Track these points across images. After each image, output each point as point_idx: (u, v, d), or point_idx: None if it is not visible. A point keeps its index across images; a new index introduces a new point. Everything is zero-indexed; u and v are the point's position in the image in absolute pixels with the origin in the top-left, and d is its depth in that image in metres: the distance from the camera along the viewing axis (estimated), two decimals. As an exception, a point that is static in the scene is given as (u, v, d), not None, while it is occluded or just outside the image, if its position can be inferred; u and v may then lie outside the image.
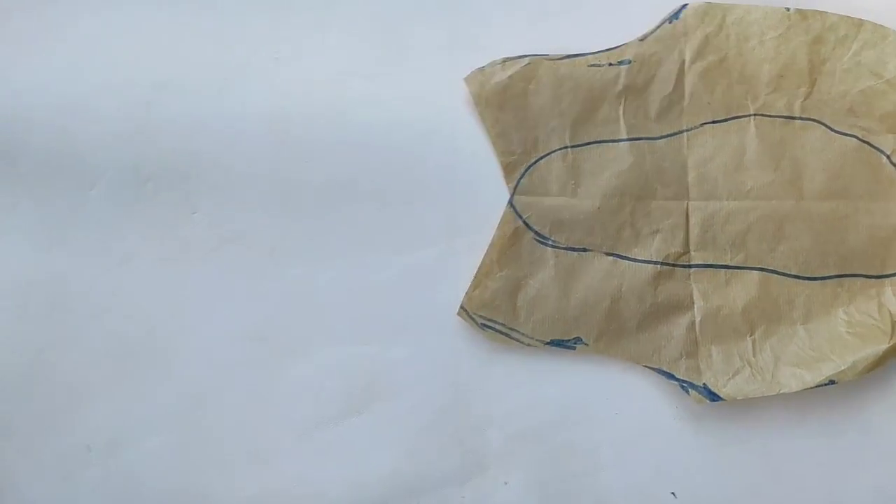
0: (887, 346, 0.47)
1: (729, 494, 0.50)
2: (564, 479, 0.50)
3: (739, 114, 0.50)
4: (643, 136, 0.51)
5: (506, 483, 0.50)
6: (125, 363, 0.51)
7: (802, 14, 0.50)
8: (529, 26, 0.53)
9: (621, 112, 0.51)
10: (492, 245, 0.50)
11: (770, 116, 0.50)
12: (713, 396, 0.48)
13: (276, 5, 0.54)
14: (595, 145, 0.51)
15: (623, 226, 0.50)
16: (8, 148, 0.52)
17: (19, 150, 0.52)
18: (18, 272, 0.51)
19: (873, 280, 0.49)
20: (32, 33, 0.52)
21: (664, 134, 0.51)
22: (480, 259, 0.50)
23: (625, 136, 0.51)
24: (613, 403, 0.51)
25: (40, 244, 0.51)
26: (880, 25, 0.50)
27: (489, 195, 0.52)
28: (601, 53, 0.51)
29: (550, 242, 0.50)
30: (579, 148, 0.51)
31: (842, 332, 0.49)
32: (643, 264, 0.50)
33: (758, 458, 0.50)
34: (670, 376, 0.49)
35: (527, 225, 0.50)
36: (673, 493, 0.50)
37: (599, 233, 0.50)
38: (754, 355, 0.49)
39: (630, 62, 0.51)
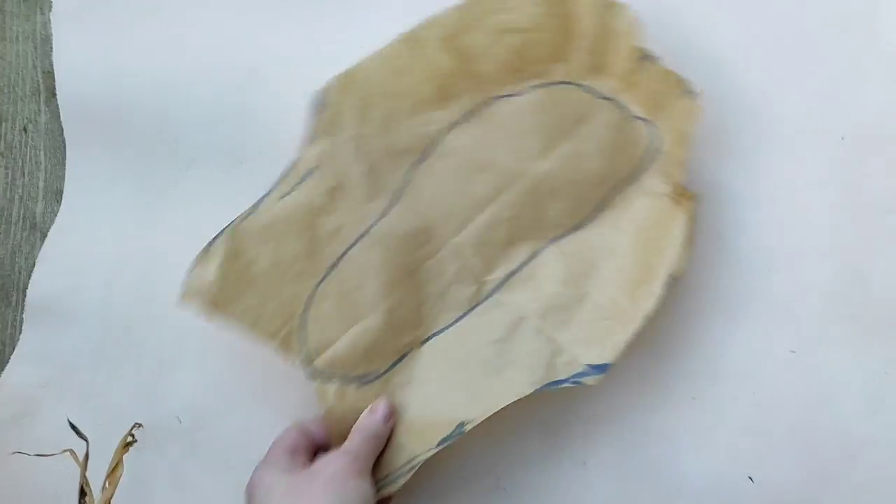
0: (684, 218, 0.48)
1: (805, 478, 0.50)
2: (642, 463, 0.51)
3: (423, 144, 0.51)
4: (368, 224, 0.50)
5: (584, 463, 0.51)
6: (212, 339, 0.53)
7: (412, 35, 0.50)
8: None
9: (338, 223, 0.50)
10: (327, 420, 0.49)
11: (451, 126, 0.51)
12: (601, 368, 0.48)
13: (365, 2, 0.55)
14: (340, 265, 0.50)
15: (417, 309, 0.51)
16: (109, 127, 0.54)
17: (119, 130, 0.54)
18: (114, 248, 0.53)
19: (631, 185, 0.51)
20: (134, 16, 0.54)
21: (386, 207, 0.50)
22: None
23: (354, 239, 0.50)
24: (691, 387, 0.52)
25: (137, 221, 0.53)
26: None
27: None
28: (283, 182, 0.49)
29: (371, 377, 0.50)
30: (330, 276, 0.50)
31: (642, 239, 0.50)
32: (462, 321, 0.51)
33: (835, 442, 0.50)
34: (556, 384, 0.49)
35: (344, 380, 0.49)
36: (750, 478, 0.51)
37: (408, 332, 0.50)
38: (597, 309, 0.50)
39: (313, 169, 0.50)
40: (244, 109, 0.53)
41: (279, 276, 0.49)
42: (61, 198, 0.54)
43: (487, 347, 0.50)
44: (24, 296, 0.53)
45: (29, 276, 0.53)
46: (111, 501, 0.44)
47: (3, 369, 0.52)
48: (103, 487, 0.41)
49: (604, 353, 0.48)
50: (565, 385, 0.48)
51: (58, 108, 0.54)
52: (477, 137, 0.51)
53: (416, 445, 0.48)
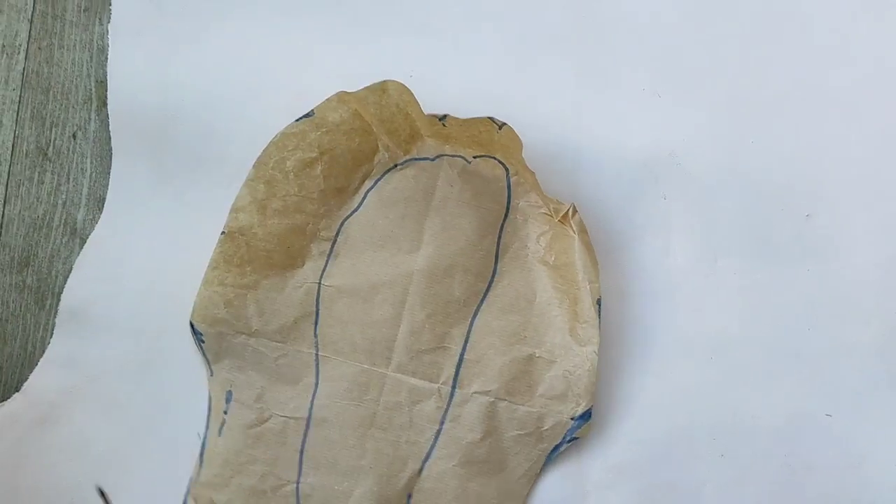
0: (577, 239, 0.50)
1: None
2: (664, 517, 0.50)
3: (307, 309, 0.51)
4: (307, 406, 0.51)
5: (605, 514, 0.50)
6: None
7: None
8: (656, 59, 0.54)
9: (280, 420, 0.50)
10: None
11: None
12: (586, 415, 0.49)
13: (414, 27, 0.56)
14: (305, 455, 0.50)
15: (395, 450, 0.50)
16: (156, 139, 0.54)
17: (166, 142, 0.54)
18: (151, 259, 0.53)
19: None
20: (190, 32, 0.55)
21: (313, 382, 0.51)
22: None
23: (304, 427, 0.50)
24: (721, 444, 0.50)
25: (176, 234, 0.53)
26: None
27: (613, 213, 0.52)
28: (211, 420, 0.51)
29: None
30: (304, 470, 0.50)
31: (552, 275, 0.50)
32: (441, 438, 0.50)
33: None
34: (556, 451, 0.50)
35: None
36: (776, 543, 0.49)
37: (400, 476, 0.50)
38: (551, 364, 0.50)
39: (230, 392, 0.51)
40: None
41: (258, 498, 0.50)
42: (103, 206, 0.54)
43: (478, 449, 0.49)
44: (59, 300, 0.53)
45: (65, 282, 0.53)
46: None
47: (31, 372, 0.52)
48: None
49: (580, 401, 0.49)
50: (563, 448, 0.49)
51: (107, 117, 0.55)
52: (348, 266, 0.51)
53: None
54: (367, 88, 0.50)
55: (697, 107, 0.54)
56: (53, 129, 0.56)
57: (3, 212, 0.55)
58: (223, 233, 0.50)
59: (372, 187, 0.52)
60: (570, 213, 0.50)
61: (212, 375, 0.51)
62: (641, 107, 0.55)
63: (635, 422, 0.51)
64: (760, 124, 0.54)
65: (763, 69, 0.55)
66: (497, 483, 0.49)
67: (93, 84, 0.56)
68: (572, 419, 0.49)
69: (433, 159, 0.52)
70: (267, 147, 0.51)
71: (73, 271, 0.53)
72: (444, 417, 0.50)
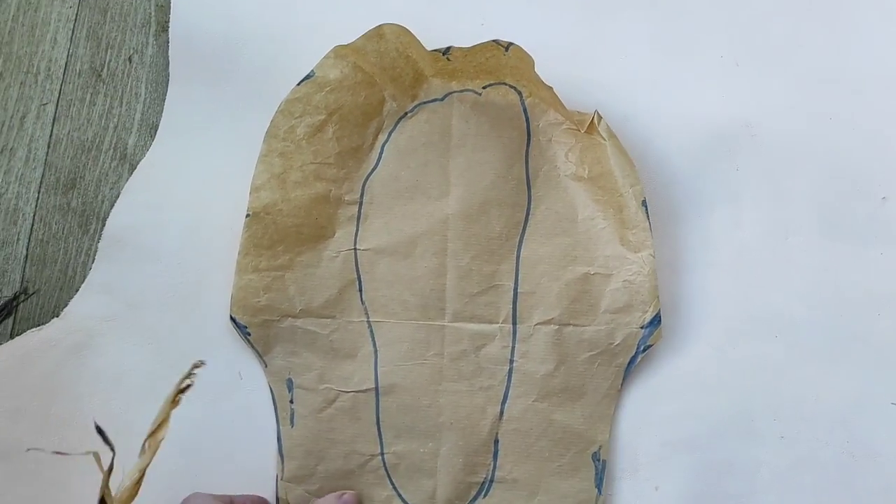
0: (609, 145, 0.48)
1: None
2: (717, 496, 0.48)
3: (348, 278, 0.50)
4: (372, 382, 0.49)
5: (656, 488, 0.48)
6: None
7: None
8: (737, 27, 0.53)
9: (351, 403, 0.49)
10: None
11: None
12: (655, 321, 0.48)
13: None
14: (382, 428, 0.49)
15: (473, 401, 0.48)
16: (214, 69, 0.52)
17: (225, 73, 0.53)
18: (201, 191, 0.52)
19: None
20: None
21: (372, 366, 0.49)
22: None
23: (374, 400, 0.49)
24: (782, 427, 0.49)
25: (228, 167, 0.51)
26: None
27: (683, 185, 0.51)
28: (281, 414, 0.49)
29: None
30: (385, 442, 0.48)
31: (590, 188, 0.49)
32: (513, 377, 0.49)
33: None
34: (632, 363, 0.48)
35: None
36: (833, 531, 0.47)
37: (487, 423, 0.49)
38: (608, 278, 0.49)
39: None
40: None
41: (347, 479, 0.48)
42: (156, 133, 0.52)
43: (554, 380, 0.48)
44: (104, 225, 0.51)
45: (111, 207, 0.51)
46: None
47: (69, 297, 0.50)
48: (142, 451, 0.37)
49: (647, 308, 0.47)
50: (640, 358, 0.47)
51: (165, 43, 0.53)
52: (380, 226, 0.50)
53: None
54: (363, 37, 0.48)
55: (777, 79, 0.53)
56: (109, 51, 0.54)
57: (52, 131, 0.53)
58: (248, 215, 0.48)
59: (387, 140, 0.50)
60: (596, 120, 0.48)
61: (266, 367, 0.49)
62: (719, 75, 0.53)
63: (694, 396, 0.49)
64: (841, 101, 0.52)
65: (848, 45, 0.53)
66: (581, 409, 0.48)
67: (152, 8, 0.55)
68: (642, 328, 0.48)
69: (442, 99, 0.50)
70: (274, 117, 0.49)
71: (120, 197, 0.52)
72: (512, 356, 0.48)
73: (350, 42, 0.49)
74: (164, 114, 0.53)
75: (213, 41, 0.52)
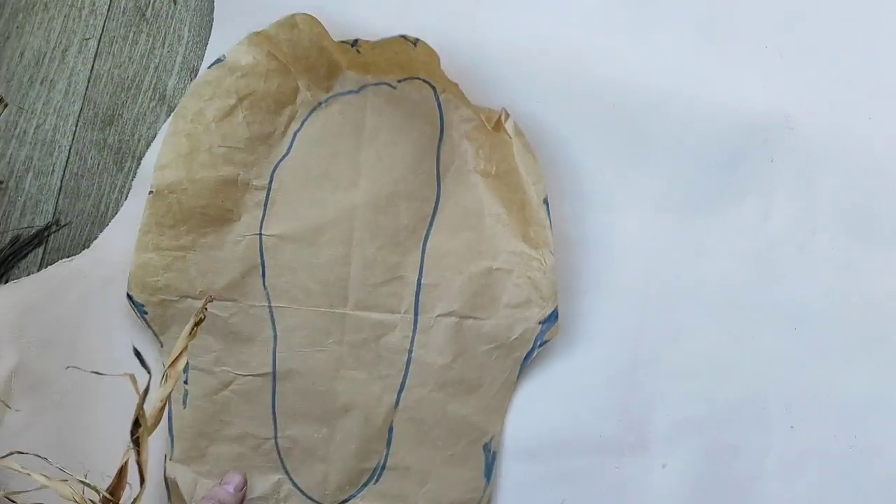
0: (517, 143, 0.48)
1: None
2: (724, 480, 0.49)
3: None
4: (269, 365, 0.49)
5: (664, 466, 0.49)
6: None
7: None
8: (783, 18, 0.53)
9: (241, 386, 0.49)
10: None
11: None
12: (552, 317, 0.48)
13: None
14: (278, 414, 0.49)
15: (369, 386, 0.49)
16: (260, 15, 0.52)
17: (268, 21, 0.52)
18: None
19: None
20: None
21: (271, 348, 0.49)
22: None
23: (272, 385, 0.49)
24: (793, 417, 0.49)
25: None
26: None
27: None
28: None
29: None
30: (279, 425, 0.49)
31: (496, 184, 0.50)
32: (410, 369, 0.49)
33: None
34: (528, 358, 0.48)
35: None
36: (835, 522, 0.48)
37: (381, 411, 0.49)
38: (508, 274, 0.49)
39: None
40: (397, 20, 0.51)
41: (239, 461, 0.48)
42: (196, 76, 0.52)
43: (451, 371, 0.48)
44: (138, 164, 0.52)
45: (147, 146, 0.52)
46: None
47: (100, 231, 0.51)
48: (163, 380, 0.37)
49: (545, 304, 0.48)
50: (536, 353, 0.48)
51: (212, -14, 0.53)
52: (287, 212, 0.49)
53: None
54: (275, 24, 0.48)
55: (819, 73, 0.53)
56: (155, -10, 0.54)
57: (93, 66, 0.53)
58: (150, 192, 0.47)
59: (299, 129, 0.50)
60: (503, 117, 0.48)
61: (162, 347, 0.48)
62: (761, 65, 0.53)
63: (708, 380, 0.50)
64: (882, 100, 0.52)
65: (892, 45, 0.53)
66: (476, 400, 0.48)
67: (201, -49, 0.54)
68: (540, 323, 0.48)
69: (357, 91, 0.50)
70: (182, 100, 0.49)
71: (157, 137, 0.52)
72: (411, 346, 0.49)
73: (263, 30, 0.48)
74: (205, 58, 0.53)
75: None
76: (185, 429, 0.48)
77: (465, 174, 0.50)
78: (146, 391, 0.33)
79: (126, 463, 0.36)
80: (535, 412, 0.50)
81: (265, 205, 0.49)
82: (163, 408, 0.37)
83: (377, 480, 0.48)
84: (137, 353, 0.33)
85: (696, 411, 0.49)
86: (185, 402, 0.48)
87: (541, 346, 0.48)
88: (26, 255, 0.51)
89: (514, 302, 0.49)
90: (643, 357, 0.50)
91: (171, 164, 0.48)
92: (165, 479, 0.48)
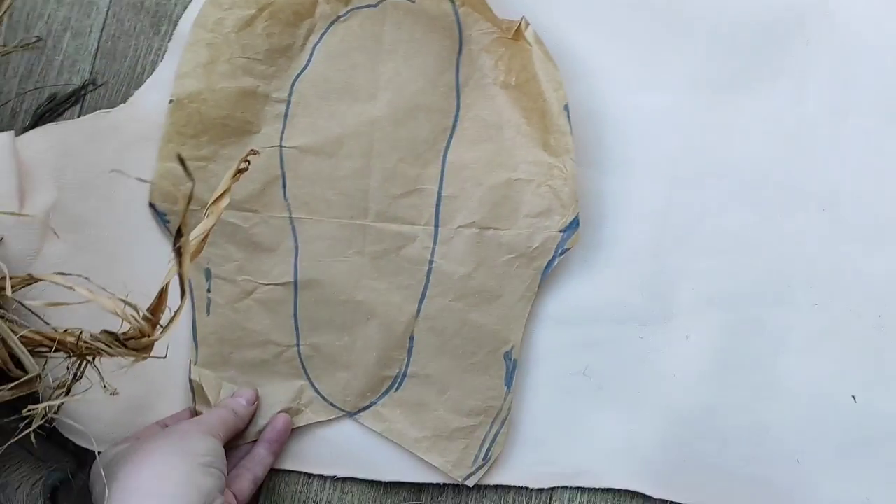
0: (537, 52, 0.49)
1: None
2: (745, 353, 0.50)
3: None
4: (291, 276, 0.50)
5: (687, 337, 0.50)
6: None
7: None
8: None
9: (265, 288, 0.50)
10: None
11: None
12: (573, 225, 0.49)
13: None
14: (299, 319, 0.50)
15: (392, 294, 0.50)
16: None
17: None
18: None
19: None
20: None
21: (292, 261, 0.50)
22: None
23: (293, 295, 0.50)
24: (817, 293, 0.50)
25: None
26: None
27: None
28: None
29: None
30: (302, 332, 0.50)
31: (517, 95, 0.50)
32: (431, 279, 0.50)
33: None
34: (549, 267, 0.49)
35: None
36: (853, 397, 0.49)
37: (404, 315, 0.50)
38: (530, 183, 0.50)
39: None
40: None
41: (261, 368, 0.49)
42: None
43: (472, 281, 0.49)
44: (174, 28, 0.52)
45: (183, 10, 0.52)
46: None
47: (137, 89, 0.51)
48: (206, 215, 0.38)
49: (566, 212, 0.48)
50: (556, 263, 0.48)
51: None
52: (307, 125, 0.50)
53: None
54: None
55: (861, -46, 0.52)
56: None
57: (131, -72, 0.53)
58: (171, 101, 0.48)
59: (318, 42, 0.50)
60: (523, 26, 0.48)
61: None
62: (801, -53, 0.52)
63: (733, 257, 0.50)
64: (922, -12, 0.52)
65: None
66: (496, 310, 0.49)
67: None
68: (561, 232, 0.49)
69: (376, 5, 0.50)
70: (202, 7, 0.49)
71: (192, 1, 0.52)
72: (432, 256, 0.49)
73: None
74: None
75: None
76: (208, 335, 0.49)
77: (485, 87, 0.50)
78: (190, 196, 0.33)
79: (167, 285, 0.37)
80: (560, 280, 0.50)
81: (285, 117, 0.50)
82: (205, 239, 0.38)
83: (398, 388, 0.49)
84: (181, 160, 0.33)
85: (721, 287, 0.50)
86: (208, 310, 0.49)
87: (561, 254, 0.49)
88: (63, 112, 0.52)
89: (534, 211, 0.49)
90: (670, 233, 0.50)
91: (190, 73, 0.48)
92: (190, 382, 0.49)
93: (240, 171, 0.40)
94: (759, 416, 0.49)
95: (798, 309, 0.50)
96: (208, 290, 0.49)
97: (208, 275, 0.49)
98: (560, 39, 0.51)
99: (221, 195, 0.39)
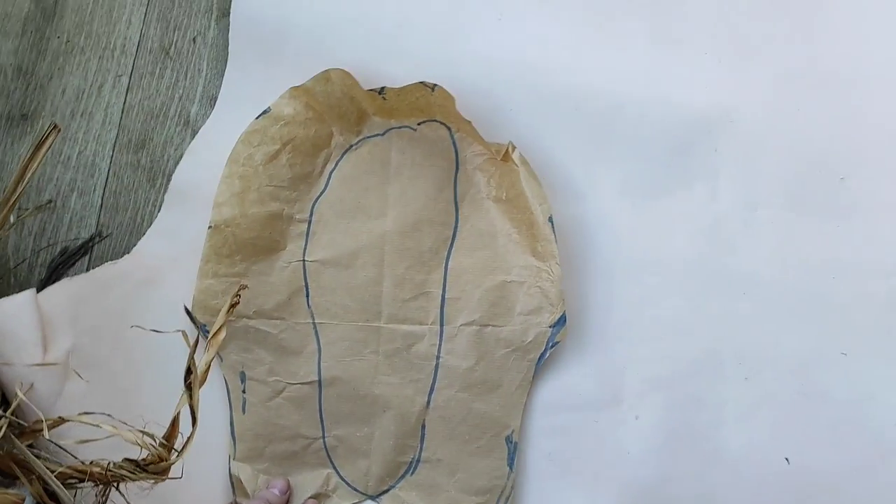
0: (522, 170, 0.55)
1: (837, 469, 0.54)
2: (689, 427, 0.56)
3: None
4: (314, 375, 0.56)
5: (637, 417, 0.56)
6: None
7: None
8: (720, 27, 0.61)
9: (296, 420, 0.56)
10: None
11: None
12: (561, 321, 0.55)
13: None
14: (325, 416, 0.56)
15: (404, 387, 0.56)
16: (270, 48, 0.60)
17: (279, 52, 0.60)
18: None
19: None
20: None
21: (316, 363, 0.56)
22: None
23: (317, 392, 0.56)
24: (746, 369, 0.56)
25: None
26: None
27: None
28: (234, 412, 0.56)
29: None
30: (326, 427, 0.56)
31: (507, 208, 0.56)
32: (439, 372, 0.56)
33: (870, 442, 0.55)
34: (542, 359, 0.55)
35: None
36: (787, 459, 0.55)
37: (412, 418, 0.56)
38: (522, 285, 0.56)
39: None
40: (388, 58, 0.60)
41: (292, 459, 0.55)
42: (215, 103, 0.61)
43: (474, 373, 0.55)
44: (168, 181, 0.59)
45: (176, 165, 0.60)
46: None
47: (138, 240, 0.58)
48: (206, 349, 0.45)
49: (554, 310, 0.54)
50: (548, 354, 0.54)
51: (226, 27, 0.62)
52: (326, 241, 0.57)
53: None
54: (312, 79, 0.56)
55: (754, 72, 0.60)
56: (176, 32, 0.63)
57: (126, 99, 0.62)
58: (210, 227, 0.55)
59: (334, 168, 0.58)
60: (510, 149, 0.56)
61: (222, 361, 0.55)
62: (703, 68, 0.61)
63: (671, 342, 0.57)
64: (809, 94, 0.60)
65: (815, 46, 0.61)
66: (497, 398, 0.55)
67: (215, -4, 0.63)
68: (550, 327, 0.55)
69: (383, 134, 0.58)
70: (235, 146, 0.56)
71: (183, 157, 0.60)
72: (439, 353, 0.55)
73: (301, 84, 0.56)
74: (222, 87, 0.61)
75: (268, 26, 0.61)
76: (244, 432, 0.55)
77: (480, 201, 0.57)
78: (196, 342, 0.40)
79: (178, 414, 0.43)
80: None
81: (307, 235, 0.57)
82: (207, 369, 0.44)
83: (413, 472, 0.55)
84: (187, 310, 0.40)
85: (662, 369, 0.56)
86: (244, 409, 0.55)
87: (552, 346, 0.55)
88: (74, 263, 0.59)
89: (526, 310, 0.55)
90: (614, 325, 0.57)
91: (226, 202, 0.55)
92: (230, 476, 0.54)
93: (232, 307, 0.47)
94: (706, 483, 0.55)
95: (731, 384, 0.56)
96: (243, 391, 0.55)
97: (243, 377, 0.55)
98: (532, 147, 0.58)
99: (219, 329, 0.46)
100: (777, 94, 0.60)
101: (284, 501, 0.53)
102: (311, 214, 0.57)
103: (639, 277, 0.58)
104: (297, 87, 0.56)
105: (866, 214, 0.58)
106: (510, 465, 0.54)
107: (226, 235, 0.55)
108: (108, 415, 0.43)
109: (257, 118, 0.56)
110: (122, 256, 0.58)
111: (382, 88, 0.56)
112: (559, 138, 0.59)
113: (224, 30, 0.62)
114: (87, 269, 0.58)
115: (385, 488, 0.55)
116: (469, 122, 0.56)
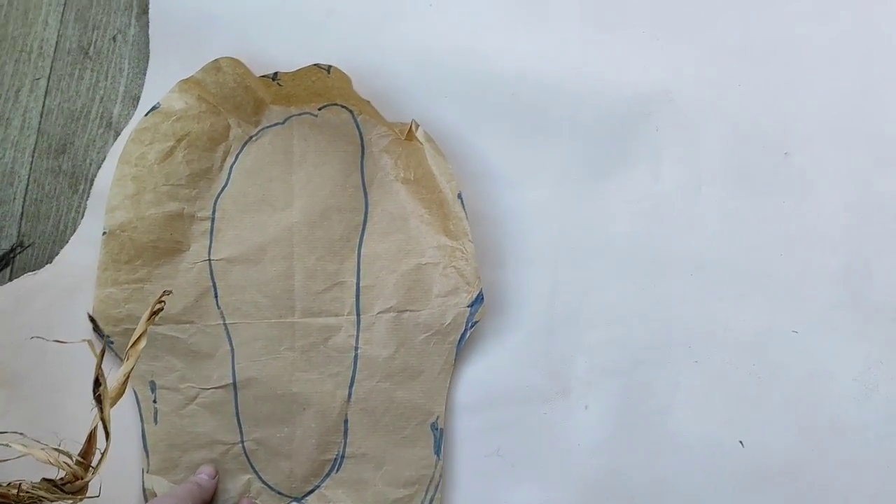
0: (427, 148, 0.54)
1: (792, 449, 0.53)
2: (640, 414, 0.54)
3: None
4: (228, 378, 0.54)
5: (586, 407, 0.55)
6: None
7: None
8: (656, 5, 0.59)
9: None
10: None
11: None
12: (478, 300, 0.54)
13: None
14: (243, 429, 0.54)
15: (324, 383, 0.54)
16: (191, 45, 0.58)
17: (200, 49, 0.58)
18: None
19: None
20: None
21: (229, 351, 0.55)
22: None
23: (233, 396, 0.54)
24: (695, 352, 0.55)
25: (204, 131, 0.57)
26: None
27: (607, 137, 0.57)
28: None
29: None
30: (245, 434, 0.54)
31: (416, 189, 0.55)
32: (359, 362, 0.55)
33: (824, 420, 0.53)
34: (462, 339, 0.54)
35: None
36: (741, 442, 0.54)
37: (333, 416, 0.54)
38: (434, 266, 0.55)
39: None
40: (315, 48, 0.58)
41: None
42: (138, 103, 0.58)
43: (395, 361, 0.54)
44: (91, 186, 0.57)
45: (98, 169, 0.57)
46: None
47: (61, 248, 0.56)
48: (126, 359, 0.43)
49: (471, 289, 0.53)
50: (468, 335, 0.53)
51: (146, 24, 0.59)
52: (232, 237, 0.55)
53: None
54: (202, 70, 0.54)
55: (691, 50, 0.59)
56: (95, 31, 0.60)
57: (45, 103, 0.59)
58: (104, 233, 0.53)
59: (234, 162, 0.56)
60: (413, 127, 0.54)
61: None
62: (640, 48, 0.59)
63: (619, 327, 0.55)
64: (748, 69, 0.59)
65: (753, 20, 0.60)
66: (419, 385, 0.54)
67: (134, -7, 0.61)
68: (468, 307, 0.54)
69: (283, 123, 0.56)
70: (125, 145, 0.54)
71: (106, 160, 0.58)
72: (357, 343, 0.54)
73: (191, 76, 0.54)
74: (144, 86, 0.58)
75: (189, 22, 0.58)
76: (158, 443, 0.53)
77: (388, 183, 0.56)
78: (103, 352, 0.38)
79: (94, 429, 0.41)
80: (467, 373, 0.55)
81: (211, 233, 0.55)
82: (125, 382, 0.42)
83: (338, 469, 0.53)
84: (92, 319, 0.38)
85: (611, 356, 0.55)
86: (156, 419, 0.53)
87: (472, 327, 0.54)
88: (-5, 275, 0.56)
89: (443, 291, 0.54)
90: (559, 313, 0.56)
91: (120, 205, 0.53)
92: (144, 491, 0.52)
93: (154, 314, 0.44)
94: (658, 471, 0.53)
95: (681, 368, 0.55)
96: (154, 401, 0.53)
97: (153, 387, 0.53)
98: (449, 128, 0.57)
99: (139, 338, 0.43)
100: (716, 70, 0.59)
101: (214, 486, 0.52)
102: (214, 211, 0.55)
103: (583, 263, 0.56)
104: (187, 79, 0.54)
105: (812, 188, 0.57)
106: (437, 452, 0.53)
107: (122, 241, 0.53)
108: (21, 433, 0.41)
109: (146, 115, 0.54)
110: (45, 266, 0.55)
111: (276, 74, 0.54)
112: (496, 125, 0.58)
113: (145, 27, 0.59)
114: (10, 280, 0.55)
115: (310, 488, 0.53)
116: (368, 101, 0.54)
